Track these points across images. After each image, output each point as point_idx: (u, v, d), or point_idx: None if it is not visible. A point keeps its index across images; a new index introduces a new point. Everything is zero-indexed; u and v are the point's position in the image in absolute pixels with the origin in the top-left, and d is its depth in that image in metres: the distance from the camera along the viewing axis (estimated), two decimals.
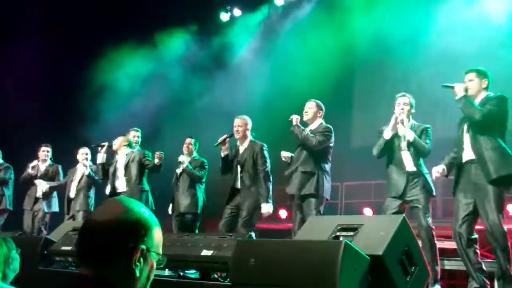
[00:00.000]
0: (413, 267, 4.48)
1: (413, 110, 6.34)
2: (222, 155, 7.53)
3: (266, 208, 7.16)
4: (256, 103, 12.01)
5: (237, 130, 7.46)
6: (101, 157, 8.47)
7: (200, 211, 8.47)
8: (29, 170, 9.96)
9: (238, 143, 7.56)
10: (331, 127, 7.01)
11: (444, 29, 11.42)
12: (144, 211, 1.81)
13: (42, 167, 10.09)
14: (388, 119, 6.35)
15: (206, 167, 8.65)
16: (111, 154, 8.69)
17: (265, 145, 7.43)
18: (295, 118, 6.98)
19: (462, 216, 5.51)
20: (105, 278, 1.72)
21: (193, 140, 8.81)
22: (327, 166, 6.97)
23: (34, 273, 6.13)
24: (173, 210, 8.64)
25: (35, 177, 9.93)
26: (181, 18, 13.98)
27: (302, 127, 6.94)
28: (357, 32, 12.55)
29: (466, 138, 5.64)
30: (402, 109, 6.24)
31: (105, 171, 8.40)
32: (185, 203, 8.42)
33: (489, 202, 5.31)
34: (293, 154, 7.04)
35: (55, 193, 10.06)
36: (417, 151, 6.11)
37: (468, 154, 5.60)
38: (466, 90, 5.60)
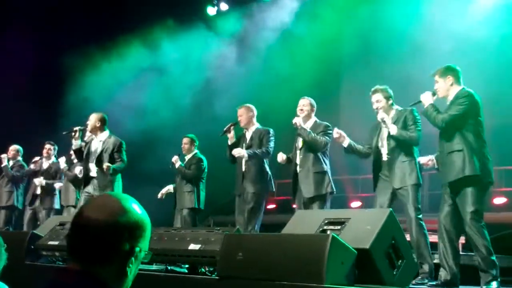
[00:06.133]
0: (400, 261, 4.50)
1: (390, 101, 6.22)
2: (229, 143, 7.59)
3: (239, 151, 7.18)
4: (241, 98, 12.01)
5: (240, 120, 7.54)
6: (75, 144, 8.14)
7: (197, 206, 8.54)
8: (31, 166, 9.97)
9: (244, 130, 7.62)
10: (330, 125, 6.94)
11: (431, 23, 11.47)
12: (140, 212, 1.81)
13: (45, 164, 10.07)
14: (375, 114, 6.34)
15: (203, 164, 8.70)
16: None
17: (271, 130, 7.48)
18: (298, 122, 6.86)
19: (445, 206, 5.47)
20: (96, 275, 1.72)
21: (188, 139, 8.85)
22: (328, 162, 6.97)
23: (20, 268, 6.11)
24: (175, 206, 8.79)
25: (37, 173, 9.92)
26: (167, 12, 13.92)
27: (308, 130, 6.84)
28: (344, 26, 12.57)
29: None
30: (377, 107, 6.20)
31: (82, 155, 8.12)
32: (183, 199, 8.55)
33: (465, 195, 5.30)
34: (288, 155, 6.98)
35: (56, 191, 9.99)
36: (401, 144, 6.03)
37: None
38: (434, 94, 5.64)
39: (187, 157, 8.78)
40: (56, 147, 10.23)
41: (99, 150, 7.84)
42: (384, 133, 6.20)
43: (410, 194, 5.85)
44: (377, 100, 6.23)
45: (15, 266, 3.81)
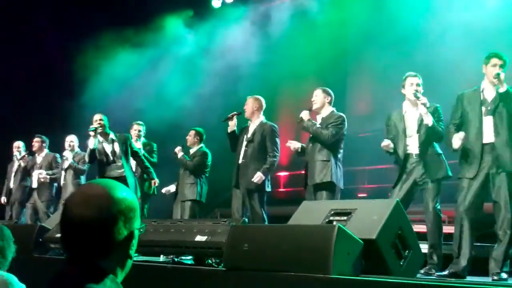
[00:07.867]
0: (407, 251, 4.50)
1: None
2: (229, 130, 7.56)
3: (258, 176, 7.09)
4: (250, 86, 11.95)
5: (245, 109, 7.52)
6: (92, 142, 8.10)
7: (199, 198, 8.49)
8: (21, 162, 10.00)
9: (249, 122, 7.59)
10: (343, 116, 6.85)
11: (439, 11, 11.40)
12: (126, 194, 1.78)
13: (39, 158, 10.08)
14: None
15: (207, 158, 8.68)
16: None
17: (276, 126, 7.43)
18: (304, 115, 6.82)
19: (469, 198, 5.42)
20: (98, 266, 1.71)
21: (194, 132, 8.84)
22: (340, 155, 6.82)
23: (29, 260, 6.15)
24: (175, 197, 8.79)
25: (28, 168, 9.99)
26: (174, 3, 13.91)
27: (313, 122, 6.78)
28: (353, 12, 12.47)
29: (488, 121, 5.43)
30: (416, 90, 5.88)
31: (94, 157, 8.10)
32: (185, 191, 8.52)
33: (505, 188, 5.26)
34: (303, 144, 6.95)
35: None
36: (431, 137, 5.83)
37: (488, 137, 5.42)
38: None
39: (192, 150, 8.74)
40: (47, 140, 10.29)
41: (116, 149, 7.91)
42: (411, 122, 5.97)
43: (433, 186, 5.72)
44: (417, 83, 5.96)
45: (23, 259, 3.84)
